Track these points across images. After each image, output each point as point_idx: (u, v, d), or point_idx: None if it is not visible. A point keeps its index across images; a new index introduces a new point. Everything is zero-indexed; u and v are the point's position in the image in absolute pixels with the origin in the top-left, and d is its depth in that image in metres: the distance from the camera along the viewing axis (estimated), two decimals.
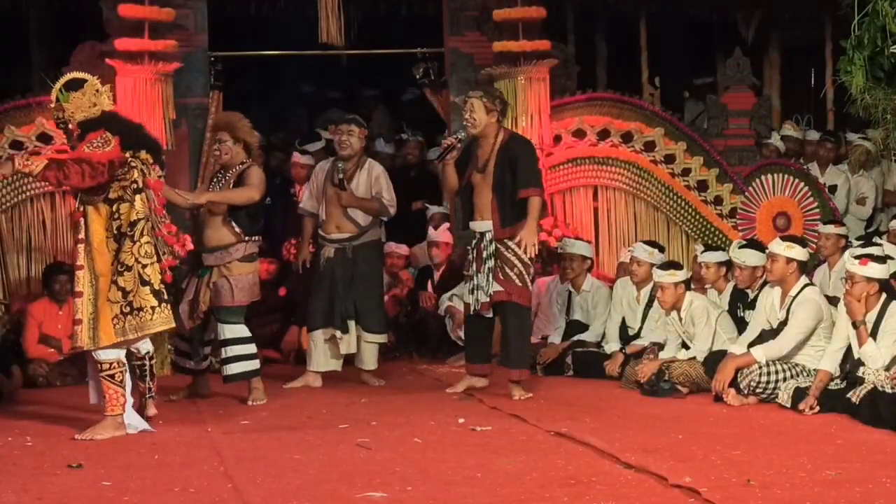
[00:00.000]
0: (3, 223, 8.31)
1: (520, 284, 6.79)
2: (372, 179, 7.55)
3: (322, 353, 7.52)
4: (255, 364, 6.90)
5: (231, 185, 6.87)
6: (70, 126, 5.94)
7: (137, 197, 5.85)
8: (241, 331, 6.88)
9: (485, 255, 6.82)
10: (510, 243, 6.77)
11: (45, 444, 5.75)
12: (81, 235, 5.87)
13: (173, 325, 6.06)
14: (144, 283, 5.81)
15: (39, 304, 7.91)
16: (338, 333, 7.46)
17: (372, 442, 5.63)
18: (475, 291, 6.86)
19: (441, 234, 9.12)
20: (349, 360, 7.66)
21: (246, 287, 6.85)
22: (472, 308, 6.92)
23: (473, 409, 6.59)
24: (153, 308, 5.83)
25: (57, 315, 7.85)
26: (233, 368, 6.87)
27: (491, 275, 6.78)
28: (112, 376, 5.86)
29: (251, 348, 6.91)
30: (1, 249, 8.29)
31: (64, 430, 6.03)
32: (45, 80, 6.22)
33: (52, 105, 5.99)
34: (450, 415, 6.33)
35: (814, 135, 10.18)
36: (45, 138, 8.39)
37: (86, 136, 5.83)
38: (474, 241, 6.93)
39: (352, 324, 7.49)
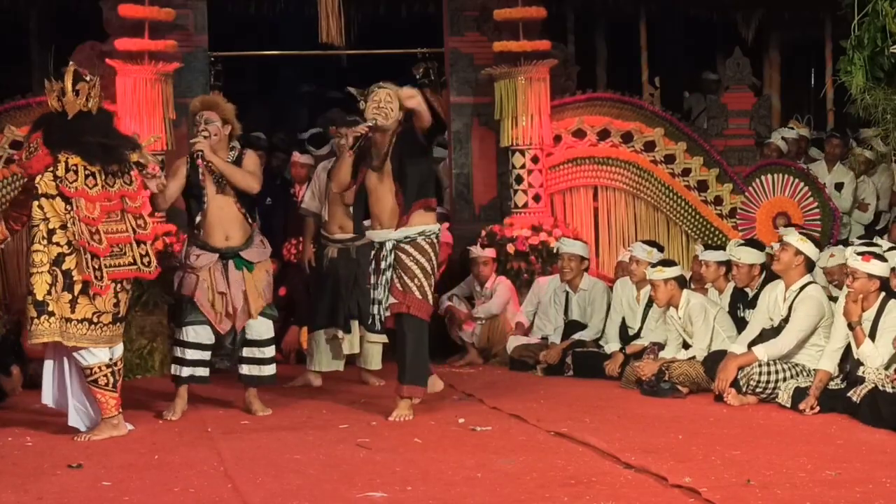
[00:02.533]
0: (2, 223, 8.28)
1: (419, 297, 6.22)
2: None
3: (324, 353, 7.52)
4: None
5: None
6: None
7: (34, 203, 5.79)
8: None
9: (383, 265, 6.28)
10: (410, 249, 6.25)
11: (46, 444, 5.75)
12: None
13: (50, 339, 5.76)
14: (29, 292, 5.77)
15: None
16: (340, 333, 7.46)
17: (372, 442, 5.62)
18: (375, 305, 6.35)
19: (441, 234, 9.10)
20: (349, 360, 7.67)
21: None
22: (376, 324, 6.39)
23: (473, 409, 6.58)
24: (32, 319, 5.72)
25: None
26: (272, 369, 6.70)
27: (389, 286, 6.28)
28: (95, 381, 5.86)
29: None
30: (0, 249, 8.28)
31: (64, 430, 6.02)
32: (46, 79, 6.22)
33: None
34: (450, 415, 6.33)
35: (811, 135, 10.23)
36: None
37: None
38: (373, 252, 6.37)
39: (355, 324, 7.48)
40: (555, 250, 8.44)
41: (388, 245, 6.27)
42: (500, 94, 8.90)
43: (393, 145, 6.31)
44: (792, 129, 10.24)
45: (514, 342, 8.27)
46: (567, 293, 8.25)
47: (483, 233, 8.92)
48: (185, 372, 6.52)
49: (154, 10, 8.48)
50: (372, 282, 6.34)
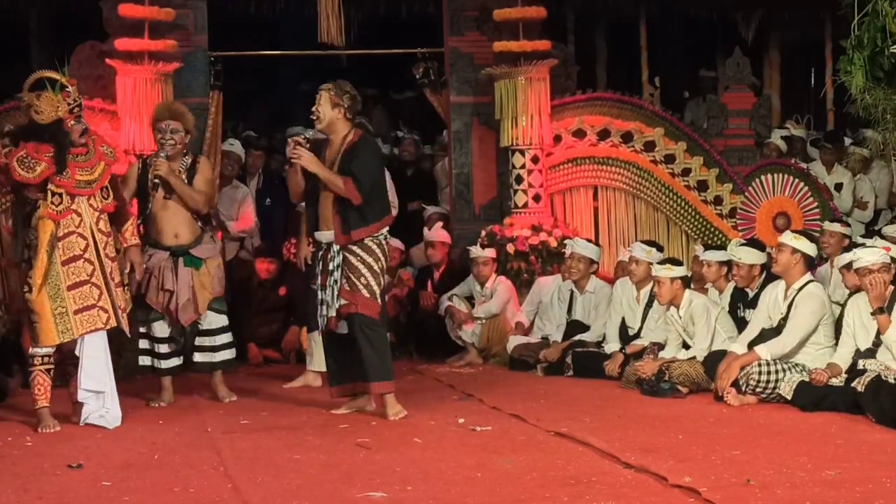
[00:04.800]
0: (2, 222, 8.30)
1: (367, 295, 6.17)
2: None
3: (322, 353, 7.50)
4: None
5: (185, 179, 6.86)
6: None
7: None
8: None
9: (331, 266, 6.23)
10: (357, 250, 6.21)
11: (45, 444, 5.75)
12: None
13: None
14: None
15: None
16: None
17: (372, 442, 5.62)
18: (322, 307, 6.28)
19: (436, 233, 9.11)
20: None
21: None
22: (321, 326, 6.41)
23: (473, 409, 6.58)
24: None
25: None
26: (226, 355, 7.06)
27: (337, 287, 6.23)
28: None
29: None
30: (1, 249, 8.28)
31: (64, 430, 6.04)
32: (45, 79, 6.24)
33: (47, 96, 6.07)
34: (450, 415, 6.32)
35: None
36: None
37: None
38: (320, 253, 6.33)
39: None
40: (565, 249, 8.36)
41: (336, 246, 6.26)
42: (500, 94, 8.91)
43: (344, 152, 6.28)
44: (787, 128, 10.24)
45: (514, 342, 8.27)
46: (572, 293, 8.24)
47: (483, 233, 8.92)
48: (158, 363, 6.93)
49: (154, 10, 8.49)
50: (318, 283, 6.32)
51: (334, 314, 6.25)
